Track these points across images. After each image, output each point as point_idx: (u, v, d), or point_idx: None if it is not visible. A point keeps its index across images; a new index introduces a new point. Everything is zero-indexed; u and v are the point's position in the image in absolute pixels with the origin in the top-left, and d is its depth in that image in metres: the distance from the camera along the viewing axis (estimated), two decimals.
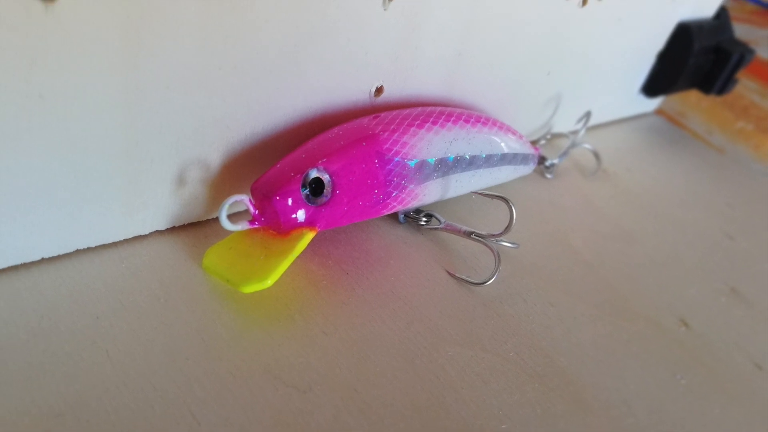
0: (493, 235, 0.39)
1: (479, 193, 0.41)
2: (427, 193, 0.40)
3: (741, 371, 0.39)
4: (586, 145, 0.52)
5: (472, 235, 0.40)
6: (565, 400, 0.34)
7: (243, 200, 0.34)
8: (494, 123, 0.43)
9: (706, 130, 0.64)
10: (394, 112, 0.39)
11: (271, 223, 0.35)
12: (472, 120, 0.41)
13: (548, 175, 0.51)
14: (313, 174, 0.35)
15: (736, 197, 0.55)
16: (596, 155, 0.53)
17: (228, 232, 0.34)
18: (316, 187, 0.35)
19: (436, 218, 0.42)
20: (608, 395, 0.35)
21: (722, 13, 0.59)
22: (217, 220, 0.36)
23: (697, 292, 0.44)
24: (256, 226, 0.35)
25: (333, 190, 0.36)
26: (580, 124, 0.52)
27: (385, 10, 0.37)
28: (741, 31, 0.64)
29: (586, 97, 0.55)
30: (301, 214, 0.35)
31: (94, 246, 0.35)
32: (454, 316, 0.37)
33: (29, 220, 0.32)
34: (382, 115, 0.39)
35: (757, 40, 0.79)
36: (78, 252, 0.35)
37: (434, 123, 0.39)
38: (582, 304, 0.40)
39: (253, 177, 0.36)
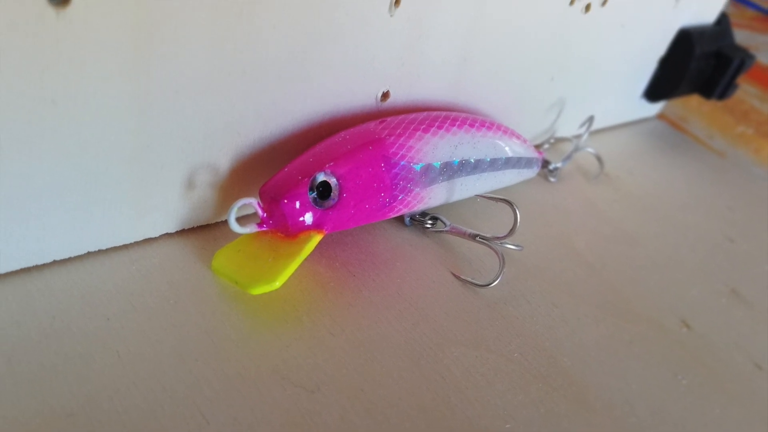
0: (498, 238, 0.39)
1: (484, 197, 0.41)
2: (432, 197, 0.40)
3: (741, 371, 0.39)
4: (589, 149, 0.52)
5: (477, 238, 0.40)
6: (569, 400, 0.34)
7: (251, 203, 0.34)
8: (499, 127, 0.43)
9: (707, 134, 0.64)
10: (400, 117, 0.39)
11: (279, 225, 0.35)
12: (477, 124, 0.41)
13: (552, 179, 0.51)
14: (321, 177, 0.35)
15: (737, 200, 0.54)
16: (599, 159, 0.52)
17: (237, 235, 0.34)
18: (324, 190, 0.35)
19: (442, 221, 0.42)
20: (611, 395, 0.35)
21: (723, 19, 0.59)
22: (226, 223, 0.36)
23: (698, 294, 0.43)
24: (264, 229, 0.35)
25: (340, 194, 0.35)
26: (583, 129, 0.51)
27: (391, 16, 0.36)
28: (741, 36, 0.64)
29: (589, 101, 0.55)
30: (308, 217, 0.35)
31: (105, 248, 0.35)
32: (459, 318, 0.37)
33: (41, 223, 0.31)
34: (389, 119, 0.39)
35: (757, 46, 0.79)
36: (89, 254, 0.35)
37: (440, 127, 0.39)
38: (585, 305, 0.40)
39: (262, 180, 0.36)
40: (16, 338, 0.30)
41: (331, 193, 0.35)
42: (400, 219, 0.42)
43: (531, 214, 0.46)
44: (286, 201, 0.34)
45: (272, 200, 0.35)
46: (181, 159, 0.34)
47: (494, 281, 0.39)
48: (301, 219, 0.35)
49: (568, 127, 0.55)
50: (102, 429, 0.28)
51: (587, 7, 0.47)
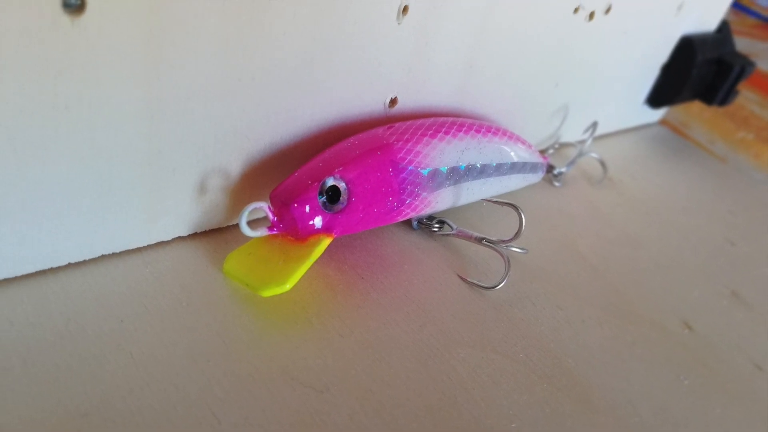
0: (504, 241, 0.39)
1: (490, 201, 0.40)
2: (439, 201, 0.39)
3: (742, 372, 0.38)
4: (593, 154, 0.52)
5: (483, 241, 0.40)
6: (573, 400, 0.34)
7: (262, 207, 0.33)
8: (504, 133, 0.42)
9: (708, 139, 0.64)
10: (408, 123, 0.39)
11: (290, 229, 0.35)
12: (483, 130, 0.41)
13: (556, 183, 0.50)
14: (330, 182, 0.35)
15: (738, 204, 0.54)
16: (602, 164, 0.52)
17: (248, 238, 0.34)
18: (333, 194, 0.35)
19: (448, 225, 0.41)
20: (614, 395, 0.35)
21: (724, 27, 0.58)
22: (237, 226, 0.36)
23: (700, 296, 0.43)
24: (274, 233, 0.35)
25: (349, 198, 0.35)
26: (587, 134, 0.51)
27: (399, 24, 0.36)
28: (742, 44, 0.64)
29: (592, 107, 0.54)
30: (318, 221, 0.35)
31: (118, 251, 0.35)
32: (465, 319, 0.37)
33: (56, 227, 0.31)
34: (396, 125, 0.39)
35: (757, 53, 0.78)
36: (103, 257, 0.35)
37: (446, 133, 0.39)
38: (589, 307, 0.40)
39: (272, 185, 0.36)
40: (32, 339, 0.30)
41: (340, 198, 0.35)
42: (407, 222, 0.42)
43: (536, 218, 0.46)
44: (296, 205, 0.34)
45: (283, 204, 0.34)
46: (193, 163, 0.34)
47: (500, 284, 0.38)
48: (311, 223, 0.35)
49: (572, 133, 0.55)
50: (116, 429, 0.27)
51: (591, 15, 0.46)
